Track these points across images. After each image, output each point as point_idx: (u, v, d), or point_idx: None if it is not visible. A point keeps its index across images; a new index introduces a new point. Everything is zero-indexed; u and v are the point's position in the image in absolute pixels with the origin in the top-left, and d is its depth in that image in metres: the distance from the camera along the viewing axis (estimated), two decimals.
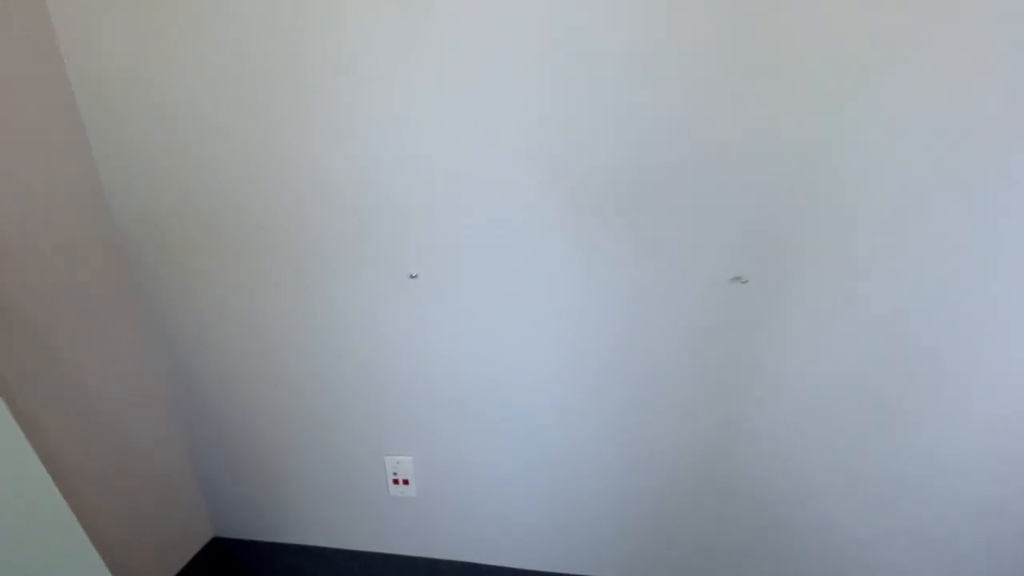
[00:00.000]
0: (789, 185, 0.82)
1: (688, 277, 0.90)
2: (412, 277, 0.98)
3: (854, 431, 0.96)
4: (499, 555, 1.22)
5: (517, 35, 0.80)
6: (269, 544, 1.33)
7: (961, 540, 1.00)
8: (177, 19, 0.87)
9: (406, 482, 1.17)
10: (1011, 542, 0.98)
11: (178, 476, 1.25)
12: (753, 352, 0.93)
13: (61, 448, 0.96)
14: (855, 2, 0.72)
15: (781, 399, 0.96)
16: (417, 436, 1.13)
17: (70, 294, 0.97)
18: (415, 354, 1.04)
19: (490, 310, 0.98)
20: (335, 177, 0.93)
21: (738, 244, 0.86)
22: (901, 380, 0.91)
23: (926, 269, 0.83)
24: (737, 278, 0.88)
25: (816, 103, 0.77)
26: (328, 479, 1.22)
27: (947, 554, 1.01)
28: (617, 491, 1.10)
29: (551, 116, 0.83)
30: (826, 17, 0.73)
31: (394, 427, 1.13)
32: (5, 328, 0.86)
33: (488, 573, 1.24)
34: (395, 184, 0.91)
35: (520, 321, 0.98)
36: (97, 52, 0.92)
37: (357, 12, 0.82)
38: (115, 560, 1.07)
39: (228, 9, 0.85)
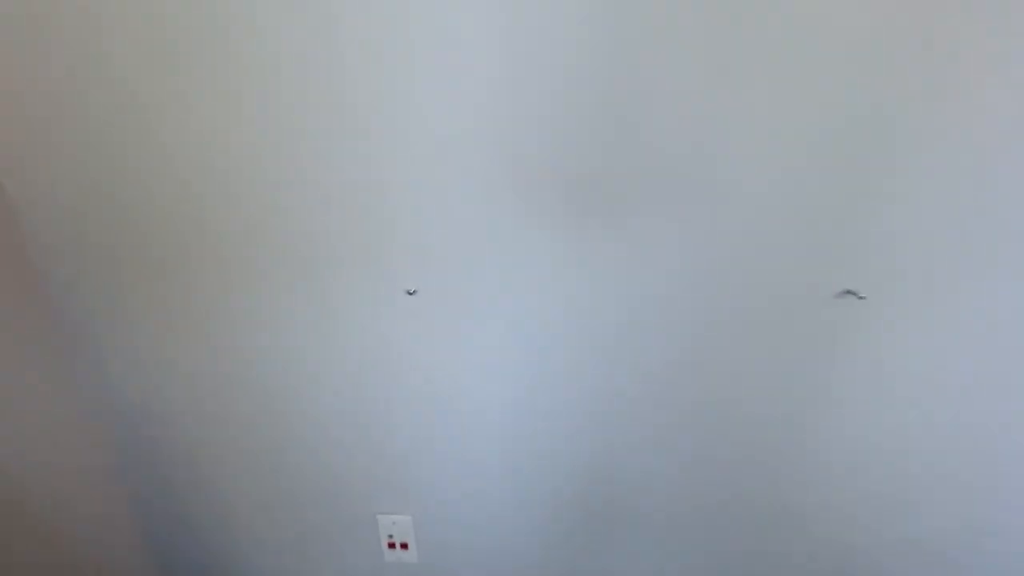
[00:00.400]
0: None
1: (767, 287, 0.71)
2: (410, 294, 0.75)
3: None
4: None
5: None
6: None
7: None
8: None
9: (404, 546, 0.99)
10: None
11: (117, 538, 1.03)
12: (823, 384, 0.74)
13: None
14: None
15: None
16: (417, 490, 0.93)
17: None
18: (415, 383, 0.84)
19: (503, 332, 0.79)
20: (324, 178, 0.72)
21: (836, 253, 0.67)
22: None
23: None
24: (850, 292, 0.67)
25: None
26: (310, 541, 1.02)
27: None
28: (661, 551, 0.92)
29: (557, 105, 0.64)
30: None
31: (388, 477, 0.92)
32: None
33: None
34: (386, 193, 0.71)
35: (536, 348, 0.79)
36: None
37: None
38: None
39: None
